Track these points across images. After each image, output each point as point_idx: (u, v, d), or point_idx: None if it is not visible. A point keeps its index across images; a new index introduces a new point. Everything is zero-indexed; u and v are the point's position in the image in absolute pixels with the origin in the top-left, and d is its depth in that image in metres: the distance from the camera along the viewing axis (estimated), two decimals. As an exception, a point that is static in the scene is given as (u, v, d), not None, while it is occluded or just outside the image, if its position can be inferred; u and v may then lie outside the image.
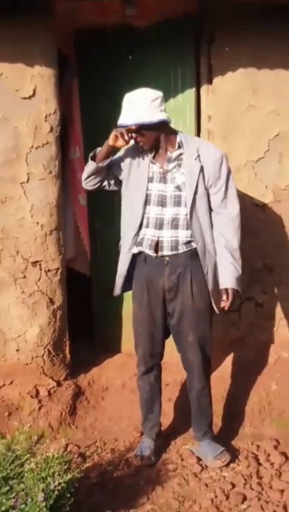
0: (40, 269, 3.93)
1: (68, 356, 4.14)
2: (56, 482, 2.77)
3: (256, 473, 3.50)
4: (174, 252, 3.30)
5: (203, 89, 4.06)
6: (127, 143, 3.19)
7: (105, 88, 4.27)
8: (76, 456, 3.59)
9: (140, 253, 3.40)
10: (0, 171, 3.78)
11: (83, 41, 4.31)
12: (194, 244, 3.30)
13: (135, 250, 3.40)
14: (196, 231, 3.27)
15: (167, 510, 3.20)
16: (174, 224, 3.28)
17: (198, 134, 4.13)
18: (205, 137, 4.09)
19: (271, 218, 4.20)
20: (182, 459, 3.64)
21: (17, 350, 4.00)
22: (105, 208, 4.46)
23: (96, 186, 3.47)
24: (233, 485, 3.38)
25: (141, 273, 3.43)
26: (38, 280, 3.94)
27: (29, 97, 3.72)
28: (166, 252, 3.30)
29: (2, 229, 3.84)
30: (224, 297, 3.31)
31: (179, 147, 3.27)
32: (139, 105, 3.11)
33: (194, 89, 4.07)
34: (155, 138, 3.22)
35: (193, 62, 4.03)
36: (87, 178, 3.43)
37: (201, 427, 3.67)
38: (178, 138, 3.28)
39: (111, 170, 3.42)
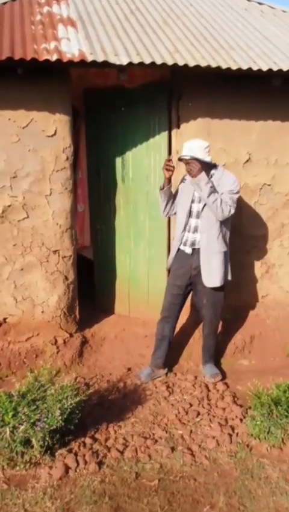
0: (58, 256, 3.90)
1: (77, 316, 4.13)
2: (69, 403, 2.80)
3: (206, 396, 3.53)
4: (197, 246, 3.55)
5: (173, 132, 4.05)
6: (169, 171, 3.45)
7: (105, 131, 4.24)
8: (82, 385, 3.61)
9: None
10: (31, 187, 3.74)
11: (90, 97, 4.29)
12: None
13: (182, 247, 3.62)
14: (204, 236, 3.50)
15: (145, 422, 3.23)
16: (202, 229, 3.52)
17: (169, 163, 4.12)
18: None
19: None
20: (156, 387, 3.67)
21: (42, 312, 3.97)
22: (104, 212, 4.45)
23: (173, 211, 3.70)
24: (191, 405, 3.42)
25: (181, 260, 3.64)
26: (57, 263, 3.92)
27: (52, 136, 3.67)
28: (196, 245, 3.55)
29: (32, 227, 3.81)
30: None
31: (212, 176, 3.43)
32: (197, 148, 3.33)
33: (167, 132, 4.05)
34: (200, 169, 3.32)
35: (166, 113, 4.01)
36: (165, 208, 3.67)
37: (205, 357, 3.85)
38: (212, 171, 3.45)
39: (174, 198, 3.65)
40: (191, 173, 3.35)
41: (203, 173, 3.32)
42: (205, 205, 3.42)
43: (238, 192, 3.44)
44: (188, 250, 3.59)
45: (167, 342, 3.76)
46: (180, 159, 3.41)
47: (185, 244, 3.60)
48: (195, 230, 3.53)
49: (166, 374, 3.82)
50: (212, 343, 3.83)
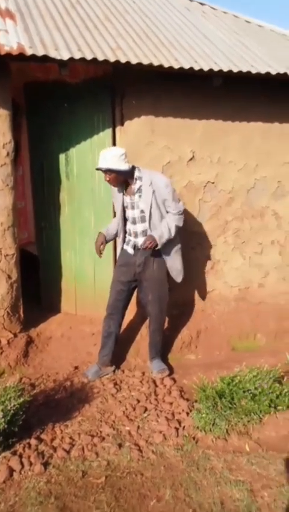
0: (1, 254, 3.80)
1: (22, 315, 4.05)
2: (12, 404, 2.75)
3: (154, 392, 3.57)
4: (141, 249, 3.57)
5: (117, 129, 4.05)
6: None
7: (48, 126, 4.18)
8: (28, 385, 3.55)
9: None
10: None
11: (32, 91, 4.20)
12: None
13: (125, 246, 3.69)
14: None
15: (92, 420, 3.22)
16: (144, 232, 3.55)
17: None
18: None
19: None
20: (104, 385, 3.67)
21: (-16, 312, 3.87)
22: (48, 209, 4.39)
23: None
24: (138, 401, 3.44)
25: (125, 258, 3.68)
26: None
27: (-9, 131, 3.58)
28: (139, 248, 3.58)
29: (-27, 226, 3.71)
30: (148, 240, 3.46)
31: (137, 180, 3.42)
32: (111, 157, 3.29)
33: (110, 129, 4.05)
34: (119, 179, 3.39)
35: (110, 110, 4.00)
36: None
37: (152, 353, 3.86)
38: (136, 174, 3.43)
39: None
40: (110, 184, 3.43)
41: (158, 238, 3.40)
42: (150, 224, 3.48)
43: (173, 189, 3.50)
44: (130, 250, 3.63)
45: (113, 339, 3.77)
46: (97, 169, 3.41)
47: (127, 244, 3.66)
48: (136, 235, 3.58)
49: (114, 371, 3.83)
50: (159, 339, 3.85)
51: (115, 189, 3.54)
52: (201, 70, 3.67)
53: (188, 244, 4.38)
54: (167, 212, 3.51)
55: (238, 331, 4.42)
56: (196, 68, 3.65)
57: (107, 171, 3.33)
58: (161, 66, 3.57)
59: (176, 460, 2.87)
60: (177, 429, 3.11)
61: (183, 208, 3.54)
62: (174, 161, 4.16)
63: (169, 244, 3.55)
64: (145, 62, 3.53)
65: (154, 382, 3.71)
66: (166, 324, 4.27)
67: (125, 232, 3.67)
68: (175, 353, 4.17)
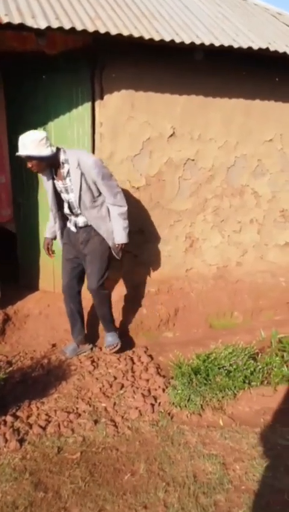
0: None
1: (-1, 293, 4.01)
2: (-14, 382, 2.72)
3: (131, 369, 3.60)
4: (83, 226, 3.45)
5: (97, 103, 3.94)
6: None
7: (26, 99, 4.04)
8: (4, 363, 3.53)
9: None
10: None
11: (8, 62, 4.05)
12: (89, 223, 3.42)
13: (68, 224, 3.57)
14: (88, 217, 3.39)
15: (69, 397, 3.24)
16: (80, 214, 3.42)
17: (93, 136, 4.02)
18: (98, 138, 3.99)
19: (143, 196, 4.23)
20: (81, 362, 3.68)
21: None
22: (26, 185, 4.29)
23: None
24: (115, 378, 3.47)
25: (69, 236, 3.56)
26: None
27: None
28: (80, 226, 3.46)
29: None
30: (118, 248, 3.48)
31: (64, 163, 3.25)
32: (30, 143, 3.09)
33: (90, 103, 3.93)
34: (42, 165, 3.21)
35: (90, 83, 3.88)
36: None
37: (104, 326, 3.77)
38: (62, 158, 3.24)
39: None
40: (33, 170, 3.26)
41: (121, 240, 3.39)
42: (80, 206, 3.34)
43: (105, 167, 3.31)
44: (72, 228, 3.52)
45: (79, 317, 3.74)
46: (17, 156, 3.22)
47: (70, 223, 3.54)
48: (76, 215, 3.44)
49: (91, 349, 3.83)
50: (105, 311, 3.69)
51: (44, 178, 3.37)
52: (182, 43, 3.57)
53: (167, 222, 4.36)
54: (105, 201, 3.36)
55: (215, 309, 4.46)
56: (177, 41, 3.55)
57: (27, 158, 3.14)
58: (141, 38, 3.45)
59: (151, 435, 2.91)
60: (153, 405, 3.15)
61: (119, 191, 3.35)
62: (155, 137, 4.09)
63: (102, 220, 3.41)
64: (125, 33, 3.41)
65: (131, 359, 3.73)
66: (144, 302, 4.30)
67: (62, 218, 3.54)
68: (153, 331, 4.20)
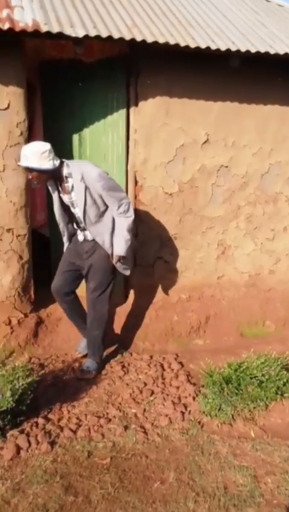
0: (13, 234, 3.79)
1: (32, 296, 4.05)
2: (20, 384, 2.77)
3: (161, 375, 3.58)
4: (91, 240, 3.36)
5: (132, 110, 3.97)
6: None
7: (62, 106, 4.10)
8: (37, 366, 3.57)
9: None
10: (-17, 163, 3.60)
11: (47, 71, 4.12)
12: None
13: (77, 233, 3.49)
14: (93, 232, 3.31)
15: (99, 401, 3.24)
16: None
17: (127, 142, 4.06)
18: (132, 144, 4.02)
19: (176, 203, 4.22)
20: (111, 367, 3.69)
21: (-4, 292, 3.88)
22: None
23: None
24: (145, 384, 3.46)
25: (75, 243, 3.50)
26: (11, 242, 3.81)
27: (5, 109, 3.52)
28: (88, 239, 3.37)
29: (-15, 205, 3.69)
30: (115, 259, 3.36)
31: (68, 178, 3.17)
32: (32, 155, 3.01)
33: (125, 109, 3.97)
34: (42, 178, 3.14)
35: (125, 90, 3.92)
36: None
37: (89, 350, 3.61)
38: (65, 171, 3.15)
39: None
40: (33, 183, 3.19)
41: (120, 253, 3.27)
42: (85, 221, 3.27)
43: (110, 179, 3.20)
44: (80, 237, 3.45)
45: (76, 314, 3.67)
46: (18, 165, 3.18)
47: (78, 234, 3.49)
48: (84, 229, 3.37)
49: (122, 354, 3.83)
50: (97, 334, 3.51)
51: (52, 191, 3.31)
52: (218, 50, 3.55)
53: (199, 229, 4.33)
54: (112, 211, 3.25)
55: (247, 317, 4.39)
56: (213, 47, 3.54)
57: (28, 169, 3.07)
58: (177, 45, 3.46)
59: (181, 444, 2.88)
60: (183, 413, 3.12)
61: (126, 201, 3.22)
62: (188, 143, 4.08)
63: (108, 237, 3.31)
64: (161, 40, 3.43)
65: (162, 365, 3.71)
66: (176, 308, 4.27)
67: (70, 231, 3.50)
68: (183, 338, 4.17)
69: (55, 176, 3.17)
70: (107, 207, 3.26)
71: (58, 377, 3.44)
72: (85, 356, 3.72)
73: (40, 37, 3.27)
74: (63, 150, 4.22)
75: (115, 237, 3.30)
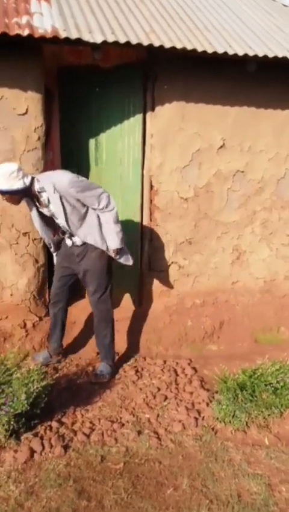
0: (29, 238, 3.82)
1: (47, 299, 4.06)
2: (35, 387, 2.78)
3: (174, 381, 3.56)
4: (80, 245, 3.34)
5: (148, 114, 3.98)
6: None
7: (79, 111, 4.13)
8: (51, 369, 3.59)
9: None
10: (0, 167, 3.63)
11: (65, 76, 4.16)
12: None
13: (65, 238, 3.43)
14: (81, 235, 3.28)
15: (112, 405, 3.23)
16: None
17: (143, 147, 4.07)
18: (148, 148, 4.03)
19: (191, 207, 4.21)
20: (125, 371, 3.68)
21: (11, 295, 3.90)
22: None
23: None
24: (159, 389, 3.44)
25: (64, 248, 3.48)
26: (27, 246, 3.84)
27: (23, 114, 3.56)
28: (77, 244, 3.35)
29: (2, 209, 3.70)
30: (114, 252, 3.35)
31: (41, 192, 3.14)
32: (0, 178, 2.97)
33: (141, 114, 3.99)
34: (16, 198, 3.13)
35: (142, 95, 3.94)
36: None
37: (100, 353, 3.61)
38: (36, 187, 3.11)
39: None
40: (12, 204, 3.19)
41: (115, 247, 3.27)
42: (70, 228, 3.25)
43: (82, 180, 3.15)
44: (68, 242, 3.41)
45: (59, 327, 3.67)
46: None
47: (66, 240, 3.45)
48: (71, 235, 3.34)
49: (135, 358, 3.82)
50: (105, 334, 3.52)
51: (30, 208, 3.31)
52: (235, 55, 3.55)
53: (214, 234, 4.31)
54: (94, 208, 3.22)
55: (261, 324, 4.35)
56: (230, 53, 3.53)
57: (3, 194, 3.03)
58: (194, 50, 3.46)
59: (195, 450, 2.86)
60: (196, 419, 3.10)
61: (105, 195, 3.17)
62: (204, 148, 4.07)
63: (98, 233, 3.29)
64: (178, 46, 3.43)
65: (175, 371, 3.69)
66: (190, 313, 4.25)
67: (57, 239, 3.49)
68: (197, 343, 4.14)
69: (29, 194, 3.14)
70: (88, 207, 3.24)
71: (71, 380, 3.45)
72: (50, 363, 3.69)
73: (58, 43, 3.30)
74: (80, 155, 4.26)
75: (106, 233, 3.29)
